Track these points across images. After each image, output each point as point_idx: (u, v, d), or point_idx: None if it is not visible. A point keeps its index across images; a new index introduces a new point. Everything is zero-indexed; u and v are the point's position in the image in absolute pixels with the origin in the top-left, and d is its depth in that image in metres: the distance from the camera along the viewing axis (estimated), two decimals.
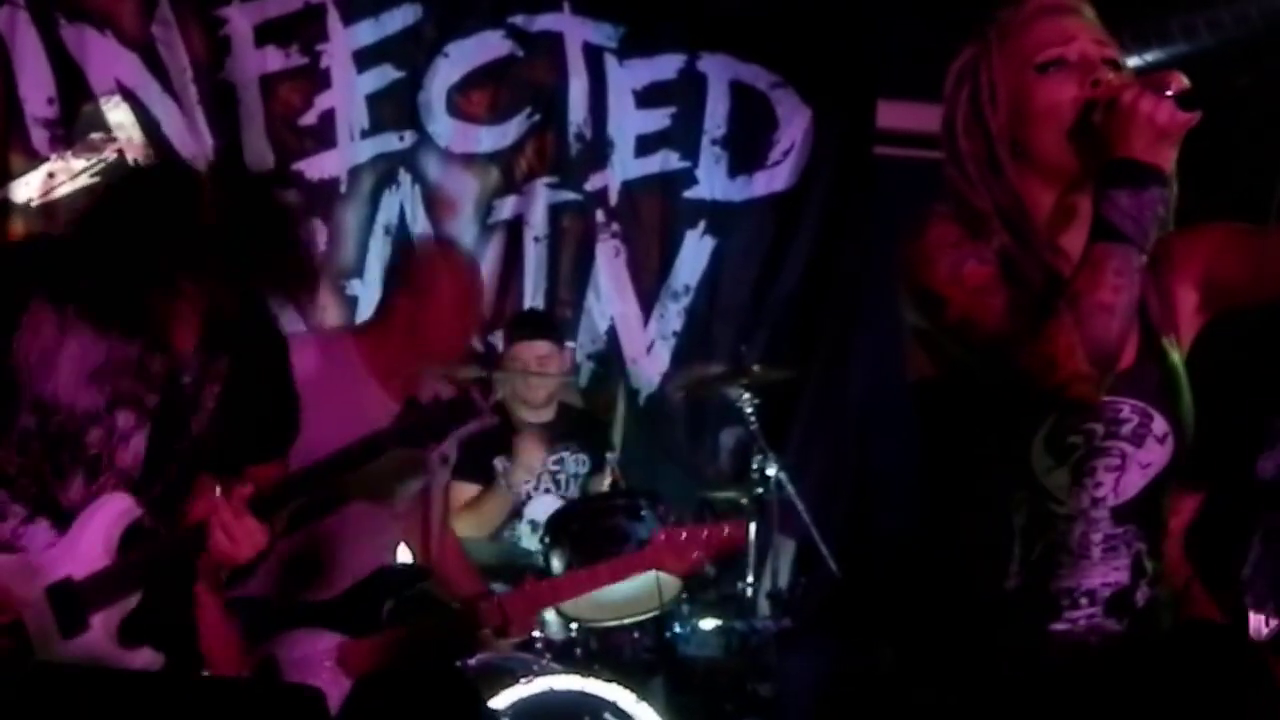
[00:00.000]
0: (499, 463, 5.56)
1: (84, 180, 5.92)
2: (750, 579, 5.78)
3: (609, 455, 5.87)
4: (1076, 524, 2.35)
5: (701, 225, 6.97)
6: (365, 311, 6.36)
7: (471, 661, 4.61)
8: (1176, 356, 2.41)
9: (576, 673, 4.82)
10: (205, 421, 3.24)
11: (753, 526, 5.78)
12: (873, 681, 2.53)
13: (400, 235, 6.49)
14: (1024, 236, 2.33)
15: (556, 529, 5.06)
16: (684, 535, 4.66)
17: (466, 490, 5.40)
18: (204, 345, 3.24)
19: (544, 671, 4.77)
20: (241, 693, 3.14)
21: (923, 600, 2.48)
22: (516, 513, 5.55)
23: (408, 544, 4.54)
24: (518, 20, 6.68)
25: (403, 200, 6.53)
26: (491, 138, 6.68)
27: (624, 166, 6.89)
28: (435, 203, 6.59)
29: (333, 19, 6.39)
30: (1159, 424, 2.36)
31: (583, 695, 4.75)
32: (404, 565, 4.51)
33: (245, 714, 2.86)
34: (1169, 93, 2.19)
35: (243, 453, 3.29)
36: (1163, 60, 3.88)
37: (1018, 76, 2.35)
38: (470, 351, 6.07)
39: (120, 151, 6.00)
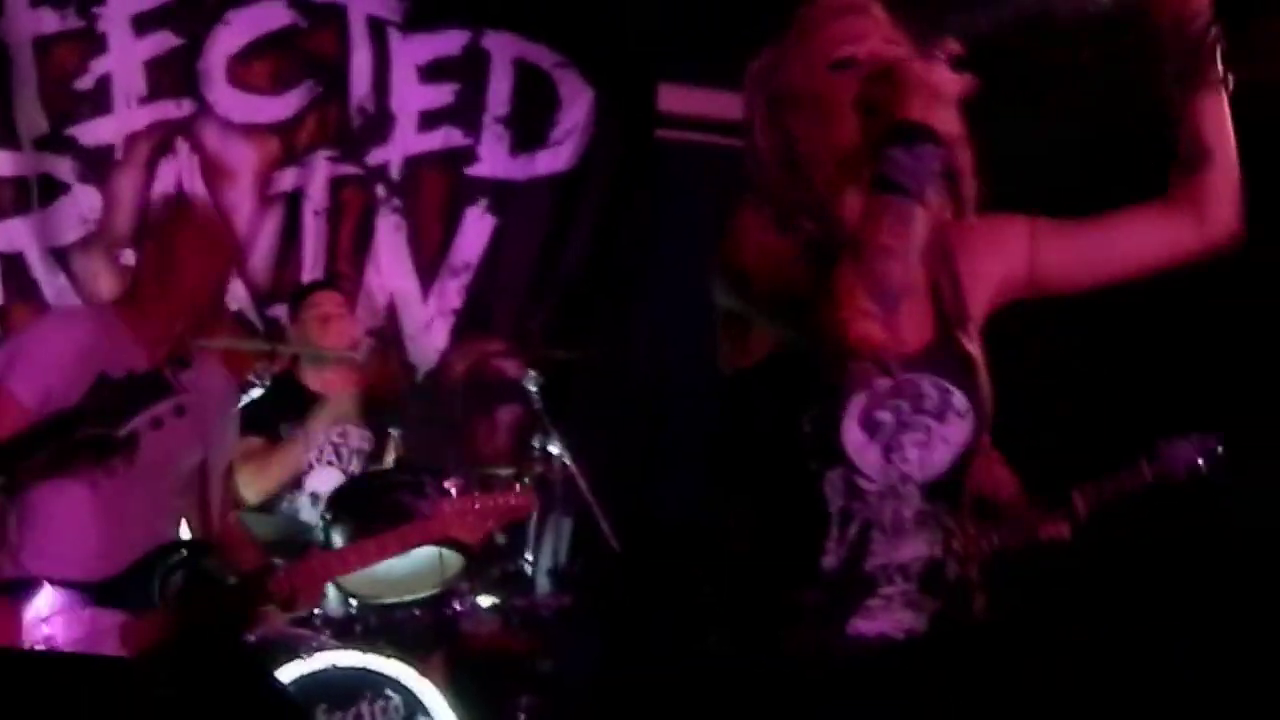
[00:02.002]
0: (284, 428, 5.52)
1: None
2: (530, 556, 5.81)
3: (391, 431, 5.85)
4: (888, 500, 2.43)
5: (483, 203, 6.97)
6: None
7: (252, 638, 4.57)
8: (967, 341, 2.50)
9: (357, 649, 4.82)
10: None
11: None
12: (704, 664, 2.53)
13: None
14: (830, 228, 2.39)
15: (339, 505, 5.02)
16: (475, 504, 4.68)
17: (252, 443, 5.34)
18: None
19: (325, 647, 4.76)
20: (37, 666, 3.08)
21: (735, 582, 2.52)
22: (297, 483, 5.50)
23: (187, 519, 4.48)
24: None
25: (180, 169, 6.41)
26: (272, 108, 6.59)
27: (406, 141, 6.85)
28: (213, 172, 6.48)
29: None
30: (959, 400, 2.45)
31: (364, 671, 4.76)
32: (185, 541, 4.45)
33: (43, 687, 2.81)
34: (942, 57, 2.27)
35: None
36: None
37: (813, 76, 2.42)
38: (226, 310, 6.07)
39: None
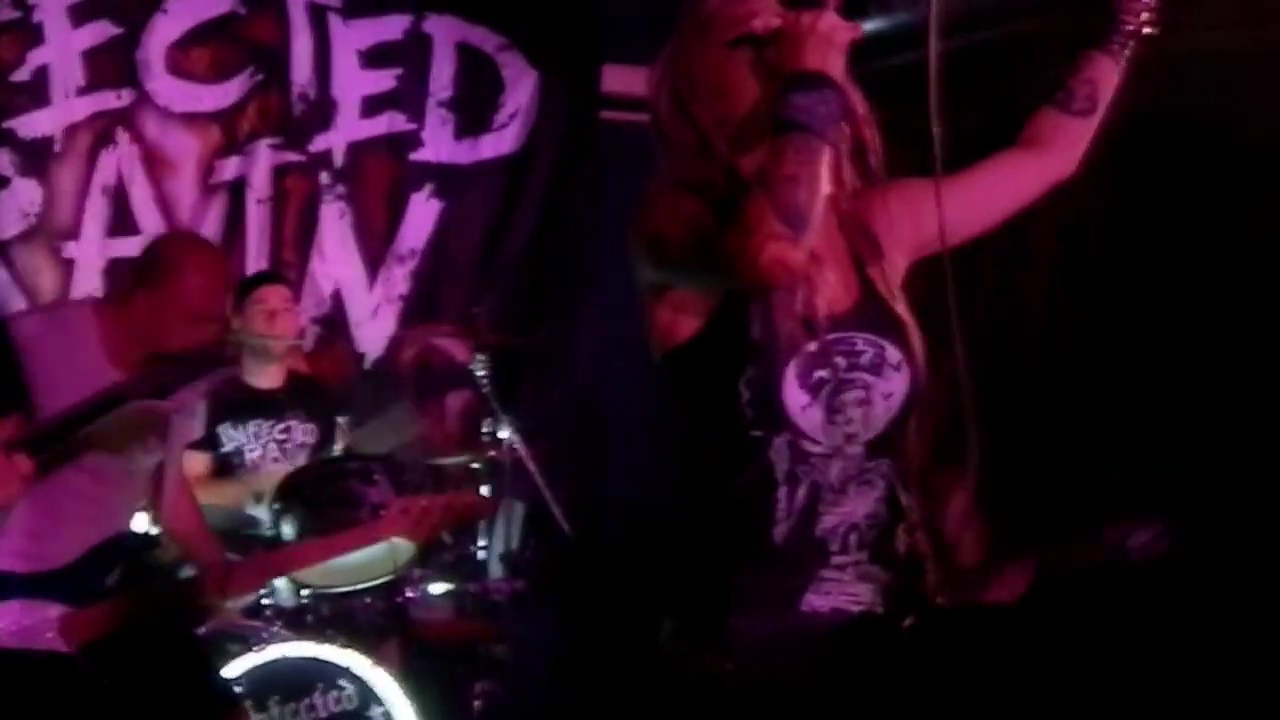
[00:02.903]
0: (222, 429, 5.49)
1: None
2: (483, 541, 5.80)
3: (339, 420, 5.82)
4: (834, 461, 2.45)
5: (428, 188, 6.94)
6: (83, 274, 6.23)
7: (202, 630, 4.54)
8: (894, 302, 2.55)
9: (309, 639, 4.79)
10: None
11: (485, 489, 5.80)
12: (654, 653, 2.53)
13: (118, 195, 6.32)
14: (740, 185, 2.41)
15: (288, 494, 4.99)
16: (422, 504, 4.62)
17: (197, 461, 5.32)
18: None
19: (276, 639, 4.74)
20: None
21: (689, 565, 2.52)
22: (244, 480, 5.46)
23: (146, 508, 4.45)
24: None
25: (121, 160, 6.36)
26: (213, 97, 6.54)
27: (349, 128, 6.81)
28: (155, 163, 6.43)
29: None
30: (892, 353, 2.49)
31: (316, 662, 4.73)
32: (132, 533, 4.41)
33: None
34: (827, 6, 2.36)
35: None
36: (884, 28, 4.02)
37: (712, 59, 2.47)
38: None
39: None
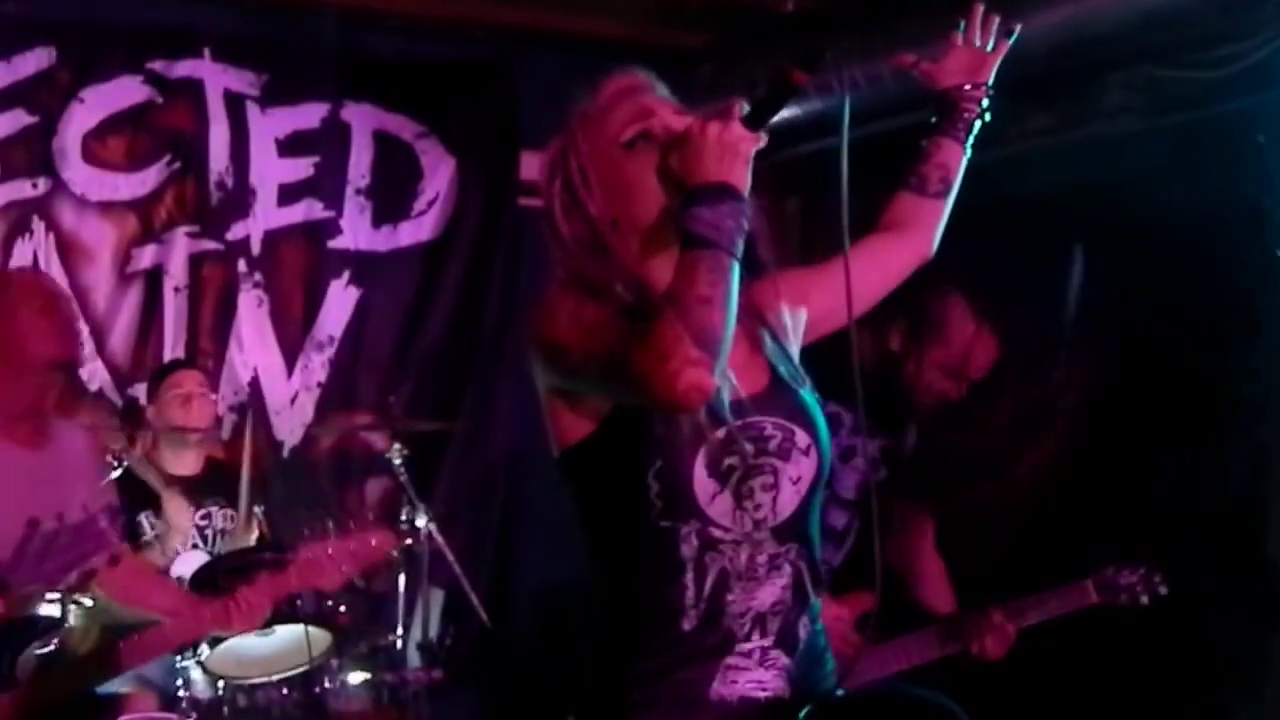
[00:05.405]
0: (144, 519, 5.46)
1: None
2: (400, 630, 5.77)
3: (255, 509, 5.79)
4: (742, 547, 2.46)
5: (346, 275, 6.94)
6: None
7: None
8: (798, 385, 2.57)
9: None
10: None
11: (401, 578, 5.78)
12: None
13: None
14: (644, 294, 2.44)
15: (202, 584, 4.96)
16: (329, 549, 4.50)
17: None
18: None
19: None
20: None
21: (593, 657, 2.53)
22: (164, 569, 5.42)
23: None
24: (157, 66, 6.53)
25: (36, 248, 6.31)
26: (130, 185, 6.51)
27: (266, 215, 6.81)
28: (70, 251, 6.39)
29: None
30: (801, 437, 2.51)
31: None
32: (39, 616, 4.36)
33: None
34: (731, 117, 2.35)
35: None
36: (799, 117, 4.11)
37: (607, 158, 2.47)
38: (85, 390, 6.01)
39: None
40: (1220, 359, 5.22)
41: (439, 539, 5.78)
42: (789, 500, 2.49)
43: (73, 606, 4.34)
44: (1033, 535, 5.67)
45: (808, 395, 2.56)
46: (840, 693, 2.59)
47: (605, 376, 2.37)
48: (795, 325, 2.69)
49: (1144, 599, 4.54)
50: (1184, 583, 4.60)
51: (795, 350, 2.67)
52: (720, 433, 2.43)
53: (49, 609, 4.40)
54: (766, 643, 2.48)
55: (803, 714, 2.48)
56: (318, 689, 5.24)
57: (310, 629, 4.95)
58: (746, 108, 2.36)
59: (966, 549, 4.79)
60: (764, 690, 2.48)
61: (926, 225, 2.89)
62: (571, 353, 2.39)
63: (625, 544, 2.48)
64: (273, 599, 4.51)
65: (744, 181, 2.35)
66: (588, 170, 2.47)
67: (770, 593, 2.48)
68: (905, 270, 2.89)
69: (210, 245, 6.69)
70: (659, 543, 2.44)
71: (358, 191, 6.98)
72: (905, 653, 4.34)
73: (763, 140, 2.37)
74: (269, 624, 4.82)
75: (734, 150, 2.33)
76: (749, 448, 2.45)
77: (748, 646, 2.47)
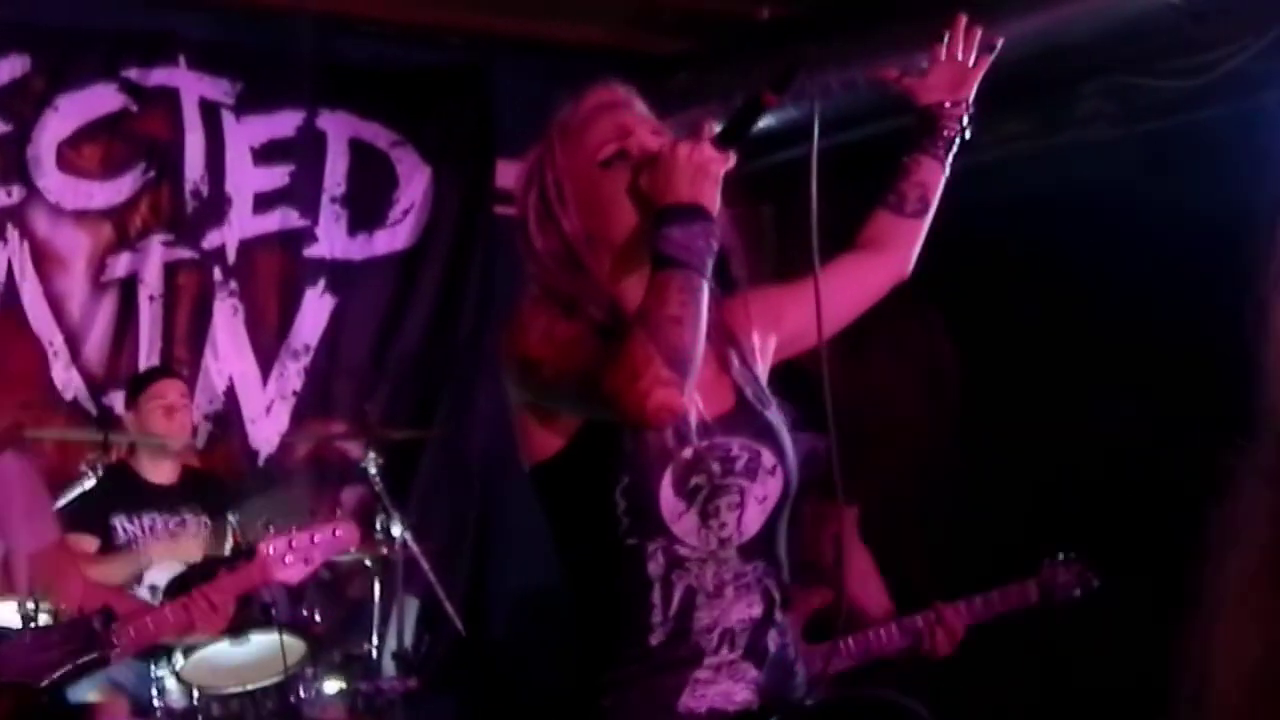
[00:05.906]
0: (118, 523, 5.45)
1: None
2: (375, 639, 5.76)
3: (230, 517, 5.78)
4: (708, 565, 2.47)
5: (321, 283, 6.93)
6: None
7: None
8: (764, 407, 2.57)
9: None
10: None
11: (376, 586, 5.77)
12: None
13: (8, 292, 6.26)
14: (617, 313, 2.45)
15: (175, 593, 4.94)
16: (291, 543, 4.50)
17: (85, 542, 5.29)
18: None
19: None
20: None
21: (574, 666, 2.53)
22: (138, 577, 5.41)
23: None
24: (131, 74, 6.53)
25: (11, 257, 6.30)
26: (104, 193, 6.50)
27: (242, 224, 6.80)
28: (45, 259, 6.37)
29: None
30: (767, 457, 2.52)
31: None
32: None
33: None
34: (702, 137, 2.36)
35: None
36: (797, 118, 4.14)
37: (583, 174, 2.47)
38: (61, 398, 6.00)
39: None
40: (1193, 364, 5.22)
41: (414, 547, 5.78)
42: (754, 519, 2.50)
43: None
44: (964, 529, 5.66)
45: (773, 417, 2.57)
46: (808, 702, 2.60)
47: (576, 394, 2.39)
48: (764, 348, 2.69)
49: (1076, 592, 4.57)
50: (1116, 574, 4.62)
51: (763, 372, 2.67)
52: (687, 452, 2.44)
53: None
54: (734, 656, 2.49)
55: None
56: (293, 698, 5.22)
57: (285, 638, 4.93)
58: (717, 128, 2.38)
59: (897, 544, 4.80)
60: (732, 702, 2.48)
61: (904, 244, 2.88)
62: (543, 369, 2.41)
63: (594, 560, 2.50)
64: (235, 595, 4.49)
65: (714, 202, 2.36)
66: (564, 185, 2.48)
67: (737, 609, 2.49)
68: (881, 289, 2.88)
69: (185, 254, 6.67)
70: (626, 560, 2.44)
71: (333, 200, 6.98)
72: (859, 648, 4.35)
73: (732, 160, 2.38)
74: (242, 631, 4.81)
75: (704, 171, 2.35)
76: (716, 467, 2.46)
77: (716, 660, 2.48)
